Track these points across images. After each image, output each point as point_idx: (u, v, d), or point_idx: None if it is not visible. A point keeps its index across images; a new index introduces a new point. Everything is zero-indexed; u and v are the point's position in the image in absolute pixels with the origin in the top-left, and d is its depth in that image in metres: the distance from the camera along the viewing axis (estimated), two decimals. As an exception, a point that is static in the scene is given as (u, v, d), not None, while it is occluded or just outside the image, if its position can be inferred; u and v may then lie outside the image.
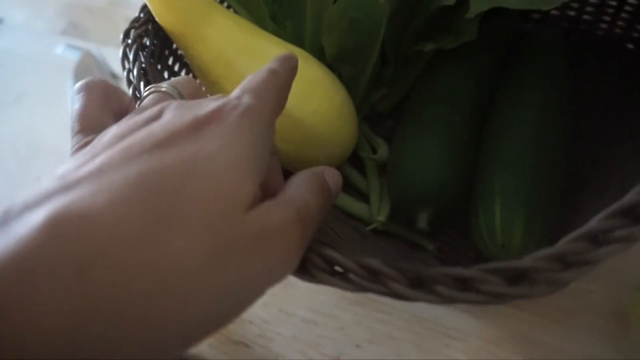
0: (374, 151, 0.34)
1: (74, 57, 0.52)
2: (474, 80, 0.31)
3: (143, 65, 0.26)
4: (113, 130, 0.15)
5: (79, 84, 0.18)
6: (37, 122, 0.49)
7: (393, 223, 0.31)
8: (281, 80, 0.18)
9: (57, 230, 0.11)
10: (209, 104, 0.15)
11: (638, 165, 0.27)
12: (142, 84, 0.24)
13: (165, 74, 0.29)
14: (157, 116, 0.15)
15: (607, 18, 0.36)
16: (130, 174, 0.13)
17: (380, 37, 0.29)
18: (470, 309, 0.29)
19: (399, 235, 0.31)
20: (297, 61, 0.19)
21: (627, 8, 0.34)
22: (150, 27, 0.28)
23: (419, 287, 0.15)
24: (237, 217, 0.13)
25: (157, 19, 0.27)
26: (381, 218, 0.29)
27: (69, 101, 0.48)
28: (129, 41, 0.26)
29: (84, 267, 0.11)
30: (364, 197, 0.33)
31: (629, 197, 0.15)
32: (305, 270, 0.16)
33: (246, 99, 0.16)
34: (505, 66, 0.33)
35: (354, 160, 0.34)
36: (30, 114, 0.50)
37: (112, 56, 0.52)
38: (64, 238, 0.11)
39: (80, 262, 0.11)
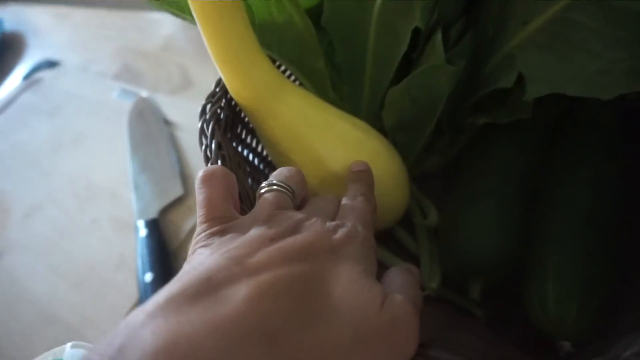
0: (424, 214, 0.35)
1: (128, 101, 0.55)
2: (526, 152, 0.33)
3: (218, 139, 0.28)
4: (259, 232, 0.18)
5: (202, 173, 0.21)
6: (95, 164, 0.52)
7: (443, 288, 0.32)
8: (373, 205, 0.24)
9: (260, 301, 0.15)
10: (338, 230, 0.20)
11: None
12: (219, 161, 0.26)
13: (234, 143, 0.31)
14: (295, 229, 0.19)
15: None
16: (284, 275, 0.16)
17: (438, 112, 0.31)
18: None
19: (447, 299, 0.32)
20: (373, 178, 0.27)
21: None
22: (224, 100, 0.30)
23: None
24: (374, 311, 0.16)
25: (232, 94, 0.29)
26: (434, 285, 0.31)
27: (126, 145, 0.51)
28: (207, 117, 0.28)
29: (276, 334, 0.15)
30: (412, 258, 0.34)
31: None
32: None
33: (361, 230, 0.20)
34: (557, 138, 0.34)
35: (403, 221, 0.35)
36: (88, 155, 0.53)
37: (164, 102, 0.55)
38: (265, 308, 0.15)
39: (276, 328, 0.15)
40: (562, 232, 0.28)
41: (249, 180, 0.32)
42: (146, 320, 0.14)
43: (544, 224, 0.29)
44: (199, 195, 0.21)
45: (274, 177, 0.23)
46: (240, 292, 0.15)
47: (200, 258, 0.17)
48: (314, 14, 0.32)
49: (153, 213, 0.44)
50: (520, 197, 0.31)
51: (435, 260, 0.32)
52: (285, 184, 0.22)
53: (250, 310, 0.15)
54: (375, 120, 0.33)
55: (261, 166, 0.35)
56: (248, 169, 0.32)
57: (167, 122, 0.53)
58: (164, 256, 0.40)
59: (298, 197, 0.23)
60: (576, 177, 0.30)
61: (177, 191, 0.46)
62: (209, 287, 0.15)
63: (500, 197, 0.30)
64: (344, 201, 0.24)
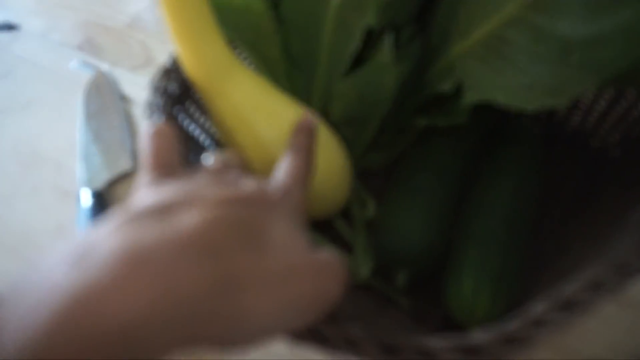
0: (363, 207, 0.37)
1: (87, 73, 0.54)
2: (460, 157, 0.35)
3: (165, 112, 0.28)
4: (205, 179, 0.20)
5: (152, 128, 0.22)
6: (42, 132, 0.51)
7: (373, 277, 0.33)
8: (312, 167, 0.25)
9: (212, 226, 0.16)
10: (276, 189, 0.22)
11: (591, 252, 0.30)
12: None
13: (182, 119, 0.32)
14: (237, 184, 0.21)
15: (578, 117, 0.40)
16: (231, 213, 0.18)
17: (383, 110, 0.32)
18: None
19: (377, 289, 0.34)
20: (316, 127, 0.27)
21: (597, 109, 0.39)
22: (176, 75, 0.31)
23: (391, 353, 0.18)
24: (305, 254, 0.18)
25: (185, 69, 0.29)
26: (364, 273, 0.32)
27: (78, 117, 0.50)
28: (156, 89, 0.29)
29: (221, 254, 0.16)
30: (349, 248, 0.35)
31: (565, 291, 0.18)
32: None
33: (296, 193, 0.22)
34: (488, 147, 0.37)
35: (343, 212, 0.36)
36: (36, 123, 0.52)
37: (124, 78, 0.54)
38: (216, 231, 0.16)
39: (222, 250, 0.16)
40: (481, 230, 0.30)
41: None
42: (107, 234, 0.15)
43: (467, 222, 0.31)
44: (147, 146, 0.22)
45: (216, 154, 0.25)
46: (195, 216, 0.16)
47: (149, 192, 0.19)
48: (274, 3, 0.33)
49: (99, 184, 0.44)
50: (449, 196, 0.33)
51: (367, 250, 0.34)
52: (228, 157, 0.24)
53: (202, 232, 0.16)
54: (325, 113, 0.35)
55: (207, 145, 0.36)
56: (192, 146, 0.33)
57: (123, 98, 0.52)
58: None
59: None
60: (499, 183, 0.32)
61: (126, 164, 0.46)
62: (164, 209, 0.17)
63: (430, 194, 0.32)
64: (284, 160, 0.25)
